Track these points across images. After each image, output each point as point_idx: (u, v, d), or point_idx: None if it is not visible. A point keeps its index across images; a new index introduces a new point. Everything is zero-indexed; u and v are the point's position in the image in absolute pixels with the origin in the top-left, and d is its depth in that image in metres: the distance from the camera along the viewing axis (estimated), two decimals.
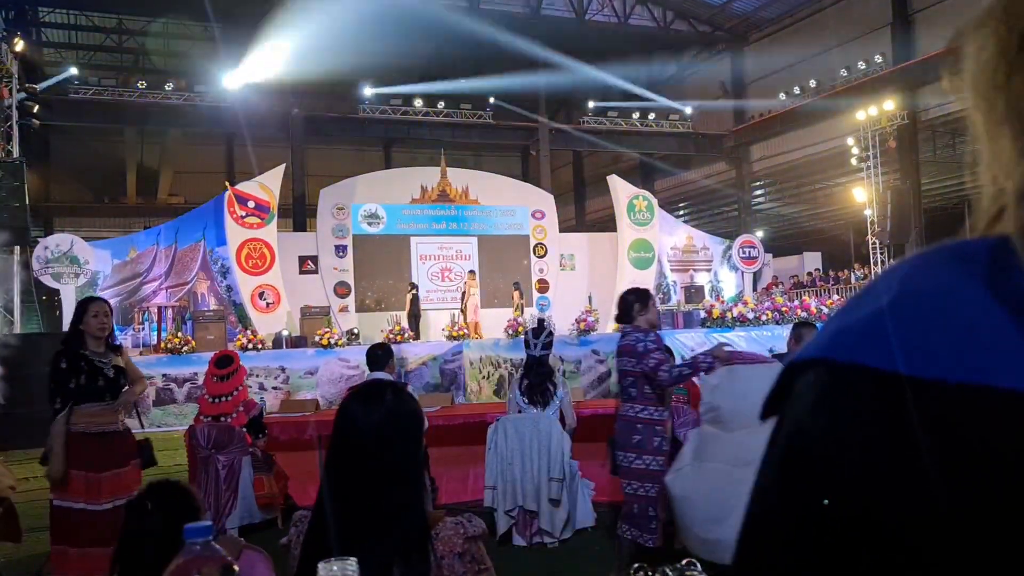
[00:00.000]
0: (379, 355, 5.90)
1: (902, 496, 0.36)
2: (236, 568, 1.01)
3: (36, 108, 14.35)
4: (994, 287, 0.37)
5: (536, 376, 5.49)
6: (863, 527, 0.37)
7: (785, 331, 10.22)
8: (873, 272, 19.48)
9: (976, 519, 0.34)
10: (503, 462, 5.34)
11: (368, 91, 22.46)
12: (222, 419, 6.09)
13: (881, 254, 19.31)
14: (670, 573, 1.63)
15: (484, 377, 14.73)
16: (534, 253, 20.66)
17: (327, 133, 22.88)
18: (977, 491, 0.34)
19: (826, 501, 0.39)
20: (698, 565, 1.67)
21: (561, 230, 21.52)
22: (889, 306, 0.39)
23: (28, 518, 6.61)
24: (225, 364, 6.24)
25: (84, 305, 4.50)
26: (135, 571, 1.80)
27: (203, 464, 6.05)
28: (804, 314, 10.67)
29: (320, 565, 1.11)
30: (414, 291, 17.42)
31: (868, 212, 19.30)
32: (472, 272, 17.92)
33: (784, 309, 10.68)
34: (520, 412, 5.47)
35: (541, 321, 5.79)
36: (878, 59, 20.75)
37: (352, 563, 1.08)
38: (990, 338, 0.36)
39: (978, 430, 0.34)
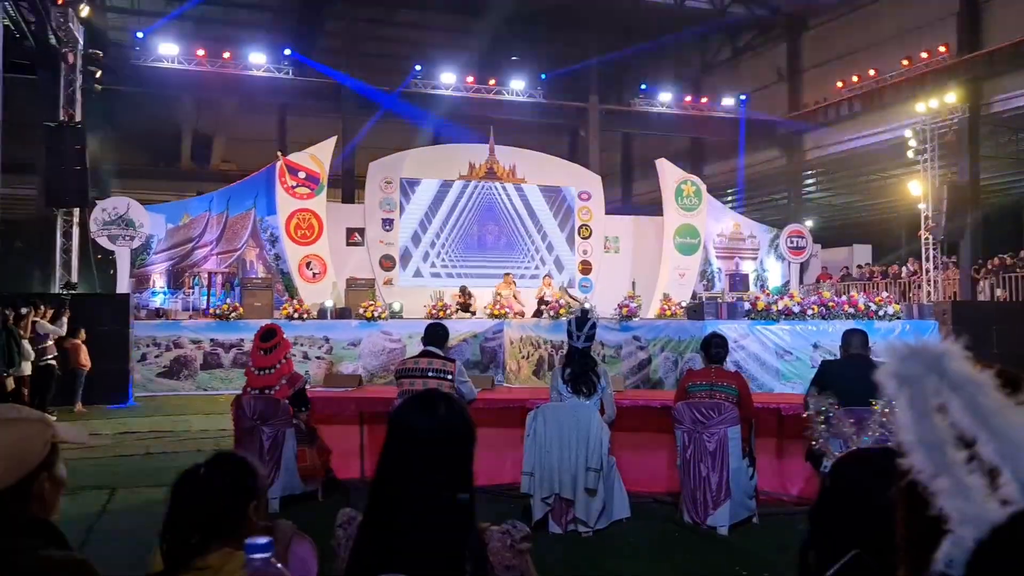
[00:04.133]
0: (439, 333, 6.10)
1: None
2: None
3: (99, 73, 14.64)
4: None
5: (579, 366, 5.53)
6: None
7: (831, 326, 10.12)
8: (924, 268, 19.12)
9: None
10: (541, 449, 5.41)
11: (419, 66, 22.55)
12: (266, 391, 6.23)
13: (934, 250, 18.92)
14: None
15: (524, 357, 14.79)
16: (578, 234, 20.63)
17: (378, 106, 22.99)
18: None
19: None
20: None
21: (607, 212, 21.42)
22: None
23: (90, 476, 6.89)
24: (268, 338, 6.35)
25: None
26: (182, 542, 1.81)
27: (248, 435, 6.22)
28: (851, 309, 10.50)
29: None
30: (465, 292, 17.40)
31: (922, 206, 18.89)
32: (509, 274, 17.58)
33: (831, 304, 10.51)
34: (562, 401, 5.53)
35: (585, 312, 5.83)
36: (941, 49, 20.20)
37: None
38: None
39: None
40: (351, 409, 6.78)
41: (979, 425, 0.68)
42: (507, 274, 17.47)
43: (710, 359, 5.81)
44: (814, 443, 4.04)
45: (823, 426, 4.18)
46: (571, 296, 16.68)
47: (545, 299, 16.78)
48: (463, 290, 17.22)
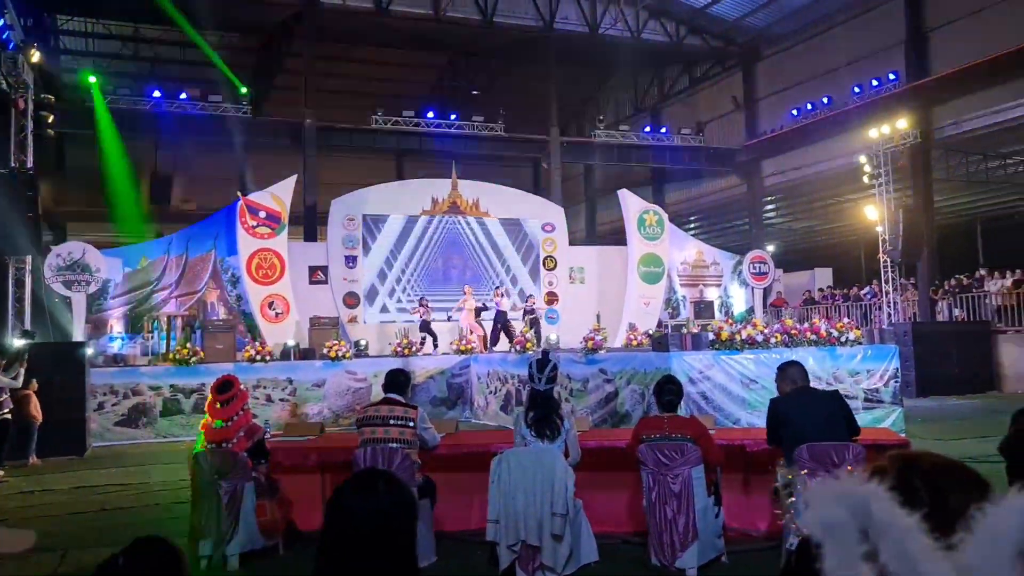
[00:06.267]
0: (400, 381, 5.99)
1: None
2: None
3: (51, 118, 14.42)
4: None
5: (542, 410, 5.45)
6: None
7: (795, 353, 10.13)
8: (883, 290, 19.39)
9: None
10: (506, 496, 5.30)
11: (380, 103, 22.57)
12: (224, 445, 6.07)
13: (892, 271, 19.20)
14: None
15: (491, 392, 14.71)
16: (543, 266, 20.66)
17: (339, 143, 22.94)
18: None
19: None
20: None
21: (571, 242, 21.49)
22: None
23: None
24: (225, 389, 6.20)
25: None
26: None
27: (206, 490, 6.05)
28: (813, 336, 10.55)
29: None
30: (424, 303, 17.49)
31: (880, 229, 19.19)
32: (469, 286, 17.99)
33: (794, 332, 10.55)
34: (526, 445, 5.44)
35: (546, 353, 5.76)
36: (891, 76, 20.67)
37: None
38: None
39: None
40: (313, 459, 6.63)
41: (908, 572, 0.63)
42: (467, 287, 17.80)
43: (662, 406, 5.63)
44: (779, 519, 3.94)
45: (790, 500, 4.08)
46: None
47: (490, 307, 17.18)
48: (422, 302, 17.35)
